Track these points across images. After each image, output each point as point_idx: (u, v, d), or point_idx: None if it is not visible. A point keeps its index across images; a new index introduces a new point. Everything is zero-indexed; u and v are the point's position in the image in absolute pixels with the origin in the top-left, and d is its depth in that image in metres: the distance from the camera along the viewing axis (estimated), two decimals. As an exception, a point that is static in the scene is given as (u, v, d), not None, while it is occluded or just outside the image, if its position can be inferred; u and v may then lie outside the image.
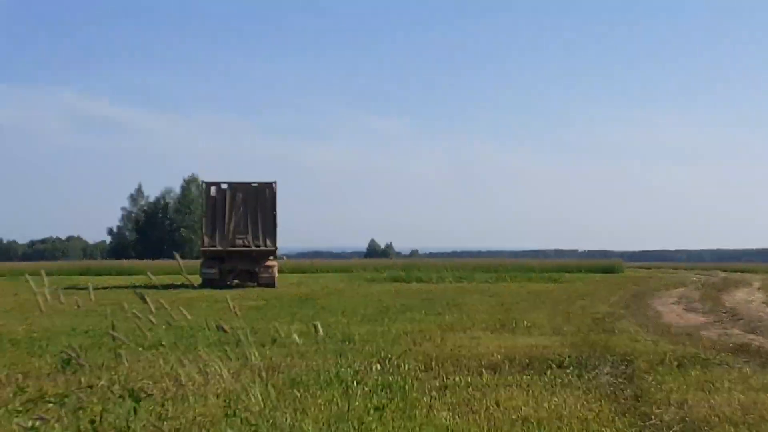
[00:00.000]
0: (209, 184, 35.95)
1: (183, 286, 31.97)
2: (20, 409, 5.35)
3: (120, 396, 5.35)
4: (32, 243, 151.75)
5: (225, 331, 5.65)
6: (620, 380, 10.24)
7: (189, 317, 6.16)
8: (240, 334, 6.00)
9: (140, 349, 12.58)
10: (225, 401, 8.23)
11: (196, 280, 36.49)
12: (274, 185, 35.62)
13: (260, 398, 5.81)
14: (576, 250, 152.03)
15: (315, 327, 6.53)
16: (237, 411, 5.53)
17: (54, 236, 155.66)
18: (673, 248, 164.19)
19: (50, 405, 5.42)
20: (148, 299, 5.63)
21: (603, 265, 62.33)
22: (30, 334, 15.06)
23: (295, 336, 7.11)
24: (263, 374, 7.58)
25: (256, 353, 6.44)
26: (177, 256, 6.61)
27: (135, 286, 35.88)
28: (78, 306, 5.76)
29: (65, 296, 5.62)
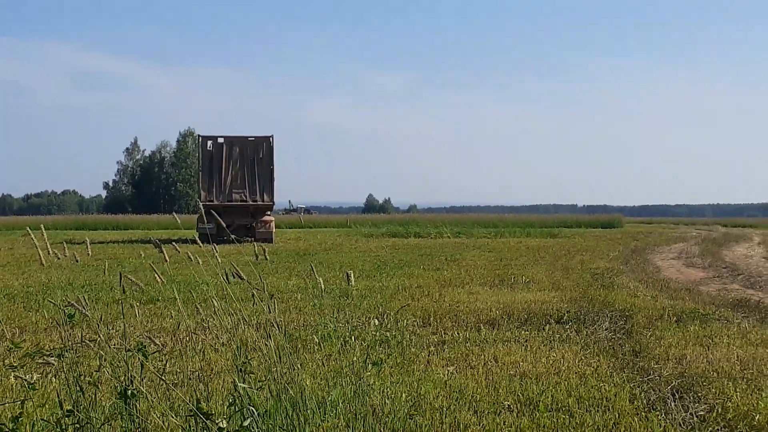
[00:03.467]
0: (205, 138, 35.69)
1: (180, 240, 32.02)
2: (16, 364, 5.29)
3: (128, 350, 5.29)
4: (27, 197, 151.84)
5: (241, 278, 5.58)
6: (619, 335, 10.21)
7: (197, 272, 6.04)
8: (254, 289, 5.92)
9: (138, 303, 12.59)
10: (227, 356, 8.21)
11: (193, 234, 36.45)
12: (271, 139, 35.41)
13: (263, 352, 5.76)
14: (575, 205, 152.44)
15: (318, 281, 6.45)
16: (240, 365, 5.48)
17: (49, 190, 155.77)
18: (673, 203, 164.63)
19: (48, 359, 5.36)
20: (163, 249, 5.53)
21: (602, 220, 62.35)
22: (26, 289, 15.02)
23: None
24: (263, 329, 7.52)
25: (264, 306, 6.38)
26: (174, 214, 6.50)
27: (131, 241, 35.91)
28: (76, 260, 5.68)
29: (61, 251, 5.52)
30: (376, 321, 10.77)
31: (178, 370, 7.37)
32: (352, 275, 6.32)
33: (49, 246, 5.24)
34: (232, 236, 6.58)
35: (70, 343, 5.41)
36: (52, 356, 5.12)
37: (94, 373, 5.36)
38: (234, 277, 5.76)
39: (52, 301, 6.59)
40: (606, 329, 10.59)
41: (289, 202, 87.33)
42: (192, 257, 5.87)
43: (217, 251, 5.86)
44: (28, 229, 5.54)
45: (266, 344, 5.68)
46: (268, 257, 6.11)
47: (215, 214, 6.32)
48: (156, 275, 5.76)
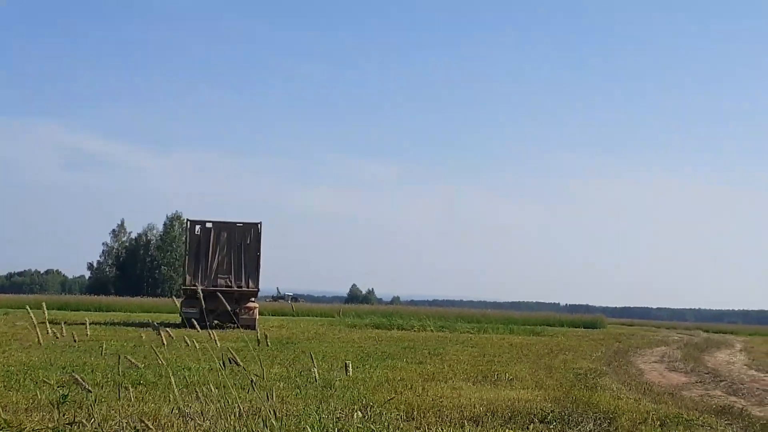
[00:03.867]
0: (193, 222, 35.77)
1: (162, 324, 31.78)
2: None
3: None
4: (10, 275, 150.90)
5: (237, 364, 5.61)
6: (603, 438, 10.16)
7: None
8: (250, 374, 5.94)
9: (118, 386, 12.47)
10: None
11: (176, 318, 36.23)
12: (259, 225, 35.50)
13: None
14: (557, 304, 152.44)
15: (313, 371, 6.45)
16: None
17: (32, 269, 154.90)
18: (654, 306, 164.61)
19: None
20: (161, 333, 5.57)
21: (585, 320, 62.46)
22: (6, 368, 14.87)
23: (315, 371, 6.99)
24: (244, 417, 7.47)
25: (238, 396, 6.36)
26: (175, 299, 6.55)
27: (113, 323, 35.64)
28: (74, 339, 5.68)
29: (59, 330, 5.54)
30: (359, 413, 10.70)
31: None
32: (350, 365, 6.36)
33: (49, 326, 5.27)
34: (215, 321, 6.61)
35: (58, 424, 5.37)
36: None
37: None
38: (230, 363, 5.78)
39: (46, 380, 6.55)
40: (590, 431, 10.55)
41: (277, 289, 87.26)
42: (188, 341, 5.88)
43: (216, 338, 5.88)
44: (27, 308, 5.57)
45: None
46: (269, 343, 6.14)
47: (200, 299, 6.36)
48: (147, 356, 5.75)
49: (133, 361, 5.49)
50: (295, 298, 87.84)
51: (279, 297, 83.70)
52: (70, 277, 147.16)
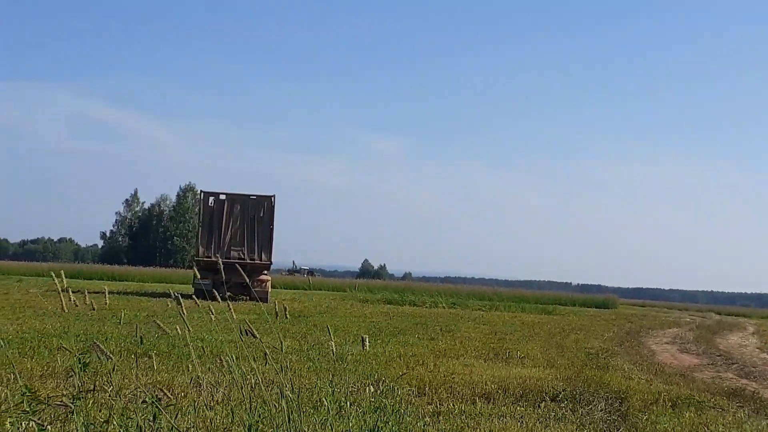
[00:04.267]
0: (207, 194, 35.80)
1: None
2: (18, 411, 5.27)
3: (143, 401, 5.31)
4: (23, 243, 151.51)
5: (254, 336, 5.62)
6: (614, 417, 10.18)
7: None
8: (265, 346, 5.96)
9: (132, 355, 12.54)
10: (222, 413, 8.19)
11: (189, 289, 36.36)
12: (272, 199, 35.51)
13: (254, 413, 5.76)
14: (569, 283, 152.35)
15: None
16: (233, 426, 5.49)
17: (46, 237, 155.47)
18: (667, 287, 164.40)
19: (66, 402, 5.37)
20: (182, 303, 5.58)
21: (597, 300, 62.40)
22: (21, 335, 14.97)
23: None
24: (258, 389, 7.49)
25: (254, 368, 6.38)
26: (195, 271, 6.56)
27: (126, 292, 35.82)
28: (93, 308, 5.71)
29: (81, 299, 5.56)
30: (371, 387, 10.74)
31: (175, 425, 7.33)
32: (367, 339, 6.38)
33: (72, 294, 5.28)
34: (228, 293, 6.64)
35: (79, 391, 5.40)
36: (65, 405, 5.11)
37: (104, 423, 5.36)
38: (246, 335, 5.80)
39: (68, 347, 6.58)
40: (601, 410, 10.57)
41: (293, 262, 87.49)
42: (210, 312, 5.90)
43: (232, 309, 5.88)
44: (52, 273, 5.58)
45: (277, 404, 5.68)
46: (288, 316, 6.16)
47: (213, 270, 6.37)
48: (160, 327, 5.77)
49: (161, 325, 5.49)
50: (311, 271, 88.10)
51: (295, 270, 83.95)
52: (83, 245, 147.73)
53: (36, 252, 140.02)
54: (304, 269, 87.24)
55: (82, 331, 15.84)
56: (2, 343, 5.92)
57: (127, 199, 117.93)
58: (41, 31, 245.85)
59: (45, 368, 10.83)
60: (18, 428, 6.10)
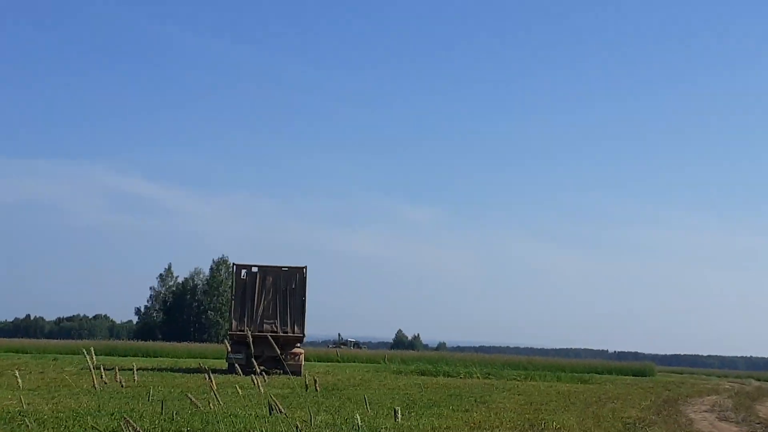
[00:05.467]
0: (239, 267, 35.95)
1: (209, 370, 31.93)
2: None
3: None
4: (59, 320, 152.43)
5: (280, 411, 5.65)
6: (652, 489, 10.03)
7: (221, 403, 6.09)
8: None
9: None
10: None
11: (223, 364, 36.35)
12: (304, 270, 35.58)
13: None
14: (606, 351, 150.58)
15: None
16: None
17: (81, 314, 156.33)
18: (705, 353, 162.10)
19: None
20: (211, 377, 5.63)
21: (634, 367, 61.66)
22: (56, 414, 15.01)
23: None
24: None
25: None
26: (227, 344, 6.62)
27: (161, 369, 35.86)
28: (122, 385, 5.79)
29: (111, 377, 5.63)
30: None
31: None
32: (399, 411, 6.38)
33: (103, 372, 5.36)
34: (261, 367, 6.66)
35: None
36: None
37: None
38: (274, 410, 5.82)
39: (97, 427, 6.65)
40: (639, 482, 10.42)
41: (339, 335, 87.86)
42: (239, 388, 5.94)
43: (260, 384, 5.92)
44: (84, 350, 5.67)
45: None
46: (318, 389, 6.18)
47: (246, 344, 6.43)
48: (193, 402, 5.81)
49: (193, 400, 5.54)
50: (357, 344, 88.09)
51: (342, 343, 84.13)
52: (118, 322, 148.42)
53: (72, 329, 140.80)
54: (351, 341, 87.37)
55: (116, 409, 15.88)
56: (32, 425, 5.97)
57: (161, 274, 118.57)
58: (78, 109, 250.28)
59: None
60: None
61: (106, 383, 5.42)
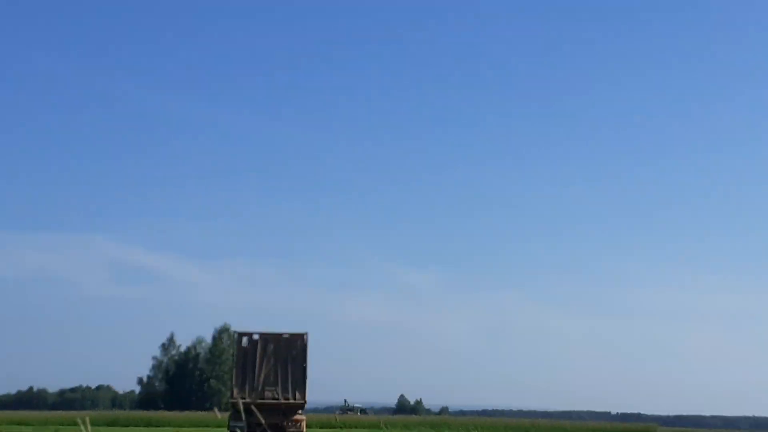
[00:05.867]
0: (241, 334, 36.13)
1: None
2: None
3: None
4: (62, 392, 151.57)
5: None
6: None
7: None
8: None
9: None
10: None
11: (225, 432, 36.44)
12: (305, 337, 35.74)
13: None
14: (609, 413, 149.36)
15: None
16: None
17: (84, 385, 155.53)
18: (708, 413, 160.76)
19: None
20: None
21: (637, 429, 61.67)
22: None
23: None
24: None
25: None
26: (216, 412, 7.04)
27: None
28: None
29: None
30: None
31: None
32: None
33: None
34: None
35: None
36: None
37: None
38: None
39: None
40: None
41: (345, 401, 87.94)
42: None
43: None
44: (79, 420, 6.07)
45: None
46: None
47: (250, 412, 6.82)
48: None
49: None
50: (363, 410, 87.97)
51: (348, 409, 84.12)
52: (120, 392, 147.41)
53: (75, 401, 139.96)
54: (357, 407, 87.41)
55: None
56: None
57: (163, 343, 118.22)
58: (79, 181, 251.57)
59: None
60: None
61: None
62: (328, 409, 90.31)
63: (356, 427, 58.03)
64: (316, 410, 75.61)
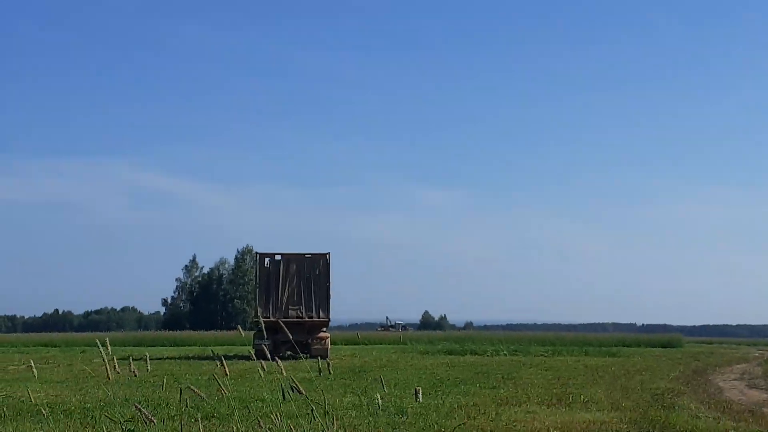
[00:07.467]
0: (263, 255, 36.08)
1: (236, 357, 32.05)
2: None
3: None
4: (87, 314, 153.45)
5: (300, 393, 5.64)
6: (681, 458, 9.95)
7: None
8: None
9: (193, 420, 12.58)
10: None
11: (249, 350, 36.48)
12: (327, 256, 35.69)
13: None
14: (634, 324, 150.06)
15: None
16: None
17: (109, 307, 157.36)
18: (734, 323, 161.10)
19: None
20: (224, 363, 5.68)
21: (662, 339, 61.36)
22: (83, 405, 15.10)
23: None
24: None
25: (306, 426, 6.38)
26: (239, 328, 6.64)
27: (188, 357, 36.03)
28: (135, 375, 5.81)
29: (121, 366, 5.66)
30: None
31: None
32: (420, 392, 6.35)
33: (116, 361, 5.38)
34: (288, 352, 6.63)
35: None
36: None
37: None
38: (293, 392, 5.80)
39: (110, 416, 6.67)
40: (667, 451, 10.34)
41: (387, 318, 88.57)
42: (260, 370, 5.95)
43: (282, 368, 5.91)
44: (98, 341, 5.69)
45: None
46: (331, 371, 6.17)
47: (274, 330, 6.39)
48: (220, 388, 5.81)
49: (196, 391, 5.54)
50: (404, 327, 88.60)
51: (389, 326, 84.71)
52: (145, 313, 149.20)
53: (100, 322, 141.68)
54: (399, 323, 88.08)
55: (143, 398, 15.96)
56: (60, 416, 5.98)
57: (186, 265, 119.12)
58: (96, 107, 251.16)
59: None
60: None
61: (119, 373, 5.41)
62: (353, 327, 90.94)
63: (382, 344, 58.17)
64: (340, 328, 75.93)
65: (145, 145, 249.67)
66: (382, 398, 15.84)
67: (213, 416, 13.29)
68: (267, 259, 35.82)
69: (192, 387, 5.61)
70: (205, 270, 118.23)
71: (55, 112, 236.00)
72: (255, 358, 6.59)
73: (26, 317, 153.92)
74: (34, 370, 7.19)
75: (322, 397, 6.33)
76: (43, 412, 6.39)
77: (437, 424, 12.51)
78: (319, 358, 32.30)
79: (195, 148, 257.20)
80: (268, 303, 34.83)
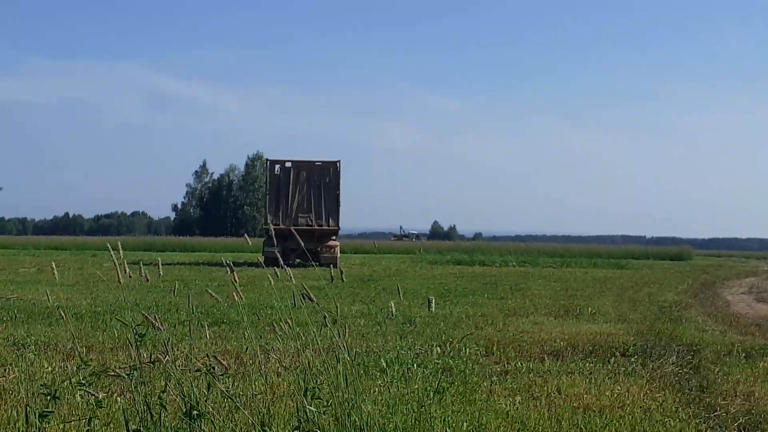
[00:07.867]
0: (273, 162, 36.03)
1: (246, 263, 32.23)
2: (84, 381, 5.39)
3: (197, 370, 5.44)
4: (98, 218, 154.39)
5: (311, 300, 5.65)
6: (686, 370, 10.02)
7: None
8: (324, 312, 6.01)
9: (202, 326, 12.69)
10: (289, 380, 8.24)
11: (258, 257, 36.67)
12: (338, 164, 35.63)
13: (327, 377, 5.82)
14: (644, 237, 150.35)
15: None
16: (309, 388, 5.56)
17: (119, 211, 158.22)
18: (744, 236, 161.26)
19: (119, 372, 5.52)
20: (234, 271, 5.67)
21: (671, 252, 61.59)
22: (94, 308, 15.24)
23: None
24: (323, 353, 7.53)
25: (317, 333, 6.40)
26: (246, 236, 6.63)
27: (198, 263, 36.27)
28: (147, 280, 5.81)
29: (136, 271, 5.68)
30: (438, 349, 10.72)
31: (241, 392, 7.39)
32: (433, 301, 6.35)
33: (127, 266, 5.38)
34: (297, 260, 6.63)
35: (137, 362, 5.50)
36: (119, 375, 5.24)
37: (161, 393, 5.44)
38: (304, 300, 5.81)
39: (121, 319, 6.70)
40: (672, 363, 10.41)
41: (401, 228, 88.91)
42: (270, 278, 5.96)
43: (291, 275, 5.90)
44: (109, 245, 5.69)
45: (333, 368, 5.71)
46: (344, 279, 6.17)
47: (284, 237, 6.39)
48: (230, 294, 5.83)
49: (213, 295, 5.55)
50: (418, 236, 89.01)
51: (404, 235, 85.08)
52: (155, 218, 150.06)
53: (110, 226, 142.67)
54: (413, 233, 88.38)
55: (153, 303, 16.08)
56: (70, 319, 6.03)
57: (196, 171, 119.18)
58: (110, 9, 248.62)
59: (116, 341, 11.02)
60: (87, 400, 6.26)
61: (131, 277, 5.42)
62: (362, 236, 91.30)
63: (391, 253, 58.48)
64: (350, 236, 76.27)
65: (159, 47, 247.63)
66: (386, 308, 15.98)
67: (223, 322, 13.41)
68: (277, 166, 35.80)
69: (210, 291, 5.63)
70: (216, 176, 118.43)
71: (69, 15, 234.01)
72: (264, 265, 6.57)
73: (37, 220, 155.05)
74: (56, 273, 7.21)
75: (334, 305, 6.31)
76: (62, 314, 6.40)
77: (445, 333, 12.61)
78: (330, 266, 32.47)
79: (209, 50, 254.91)
80: (278, 210, 34.93)
